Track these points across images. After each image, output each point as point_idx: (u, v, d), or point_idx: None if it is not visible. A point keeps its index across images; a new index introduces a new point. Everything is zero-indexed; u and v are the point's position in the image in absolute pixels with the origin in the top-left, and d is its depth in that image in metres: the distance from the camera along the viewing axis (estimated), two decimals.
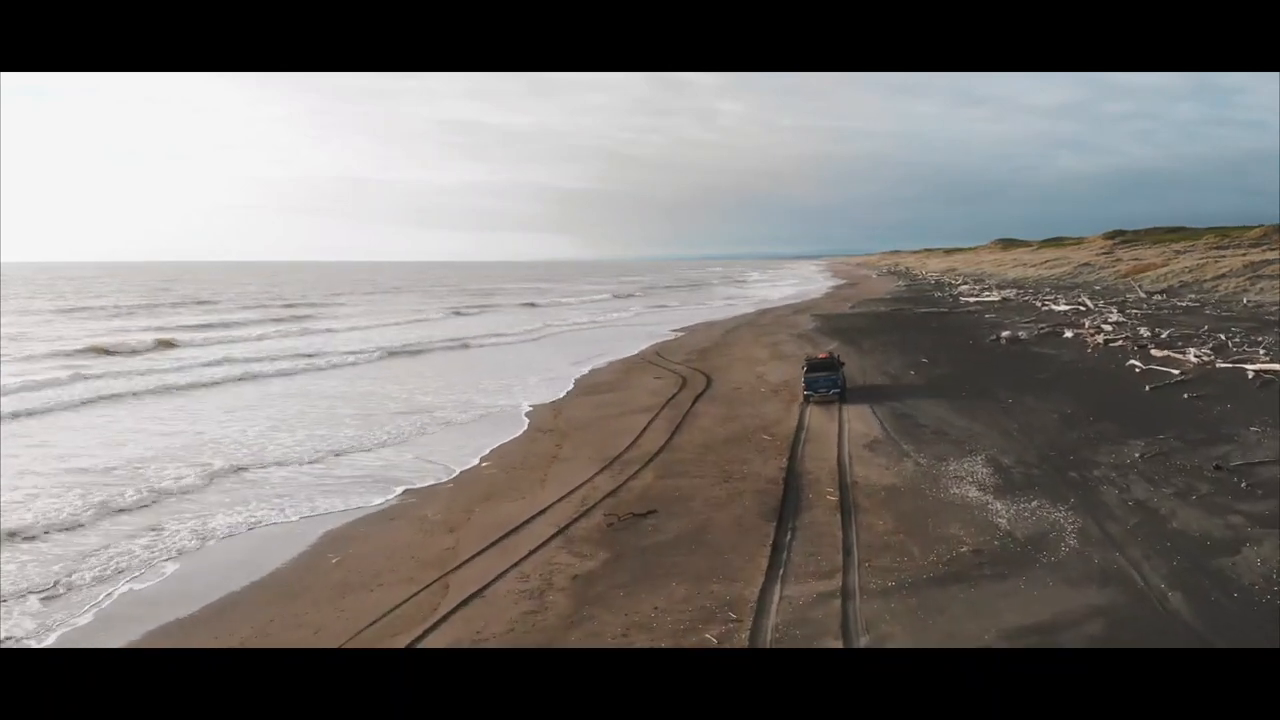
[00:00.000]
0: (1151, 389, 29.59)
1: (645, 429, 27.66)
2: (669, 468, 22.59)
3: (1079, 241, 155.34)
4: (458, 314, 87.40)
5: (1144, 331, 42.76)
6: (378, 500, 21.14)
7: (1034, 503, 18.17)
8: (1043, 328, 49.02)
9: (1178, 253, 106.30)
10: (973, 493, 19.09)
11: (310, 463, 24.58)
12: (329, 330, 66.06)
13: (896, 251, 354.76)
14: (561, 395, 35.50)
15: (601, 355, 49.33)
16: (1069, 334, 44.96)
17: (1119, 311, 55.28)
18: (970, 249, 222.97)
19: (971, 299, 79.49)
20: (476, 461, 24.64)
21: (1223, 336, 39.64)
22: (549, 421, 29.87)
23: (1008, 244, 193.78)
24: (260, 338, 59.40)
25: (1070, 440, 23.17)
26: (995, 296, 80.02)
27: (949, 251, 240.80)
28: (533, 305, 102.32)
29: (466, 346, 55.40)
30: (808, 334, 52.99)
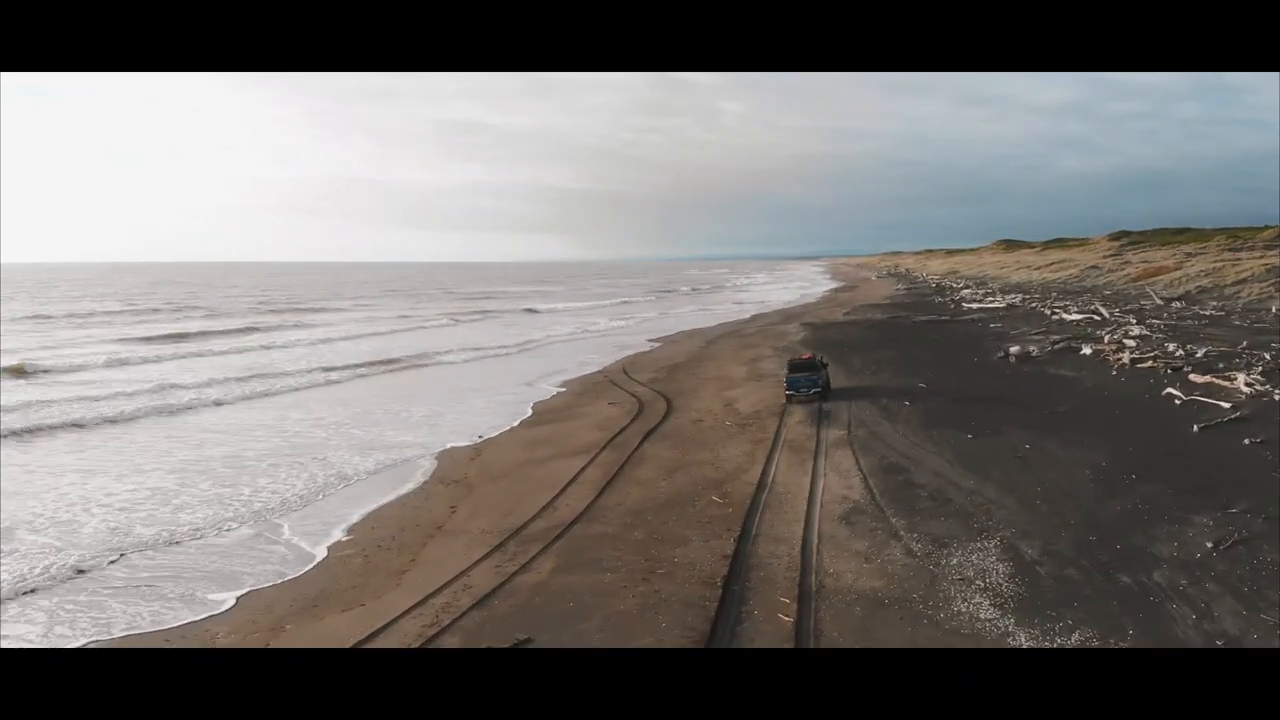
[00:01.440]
0: (1201, 429, 23.67)
1: (571, 482, 21.85)
2: (578, 551, 16.73)
3: (1083, 243, 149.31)
4: (422, 326, 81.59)
5: (1174, 348, 36.79)
6: (148, 625, 15.04)
7: (1074, 634, 12.30)
8: (1056, 341, 43.06)
9: (1189, 255, 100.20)
10: (985, 611, 13.21)
11: (77, 574, 16.59)
12: (288, 345, 59.07)
13: (898, 252, 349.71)
14: (496, 428, 29.66)
15: (565, 372, 43.61)
16: (1087, 350, 39.00)
17: (1139, 323, 49.27)
18: (972, 250, 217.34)
19: (974, 305, 73.46)
20: (338, 536, 18.80)
21: (1268, 356, 33.66)
22: (458, 469, 24.02)
23: (1010, 245, 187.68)
24: (203, 354, 52.85)
25: (1112, 514, 17.25)
26: (1000, 303, 74.00)
27: (950, 253, 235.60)
28: (507, 313, 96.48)
29: (422, 365, 49.34)
30: (794, 347, 47.03)
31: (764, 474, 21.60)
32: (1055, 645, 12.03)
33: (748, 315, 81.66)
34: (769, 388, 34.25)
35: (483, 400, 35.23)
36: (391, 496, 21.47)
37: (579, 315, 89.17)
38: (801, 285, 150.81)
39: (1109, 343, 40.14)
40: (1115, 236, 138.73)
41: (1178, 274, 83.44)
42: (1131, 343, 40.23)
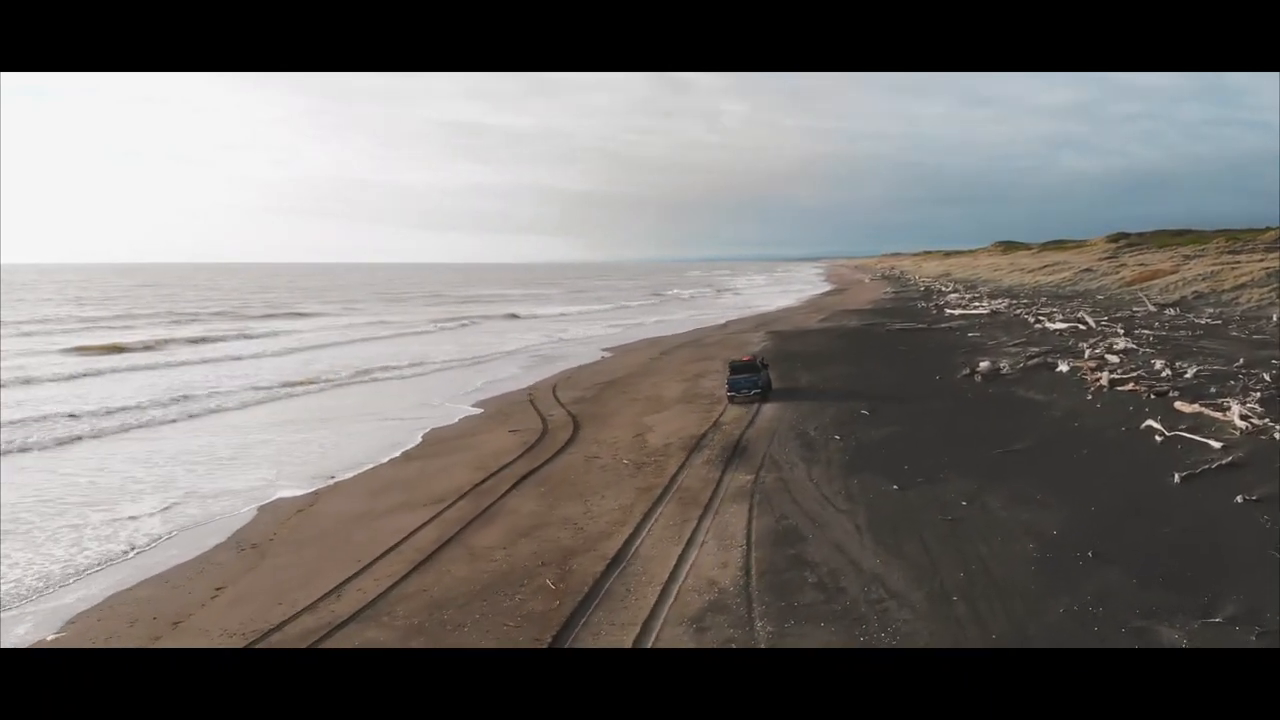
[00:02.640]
0: (1183, 479, 18.92)
1: (392, 549, 17.26)
2: None
3: (1081, 245, 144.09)
4: (388, 335, 77.03)
5: (1160, 366, 31.96)
6: None
7: None
8: (1032, 356, 38.27)
9: (1187, 258, 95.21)
10: None
11: None
12: (229, 358, 53.56)
13: (897, 254, 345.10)
14: (360, 465, 25.05)
15: (494, 388, 39.04)
16: (1064, 367, 34.18)
17: (1126, 334, 44.38)
18: (970, 252, 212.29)
19: (957, 311, 68.50)
20: (46, 635, 14.17)
21: (1267, 378, 28.83)
22: (268, 529, 19.35)
23: (1008, 247, 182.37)
24: (131, 369, 47.78)
25: (1051, 622, 12.52)
26: (985, 308, 69.10)
27: (948, 254, 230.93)
28: (488, 319, 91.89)
29: (351, 384, 44.65)
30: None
31: (630, 541, 16.96)
32: None
33: (723, 321, 77.01)
34: (696, 412, 29.64)
35: (376, 427, 30.60)
36: (154, 572, 16.81)
37: (558, 321, 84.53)
38: (792, 288, 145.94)
39: (1089, 359, 35.32)
40: (1113, 238, 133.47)
41: (1174, 278, 78.44)
42: (1115, 359, 35.40)
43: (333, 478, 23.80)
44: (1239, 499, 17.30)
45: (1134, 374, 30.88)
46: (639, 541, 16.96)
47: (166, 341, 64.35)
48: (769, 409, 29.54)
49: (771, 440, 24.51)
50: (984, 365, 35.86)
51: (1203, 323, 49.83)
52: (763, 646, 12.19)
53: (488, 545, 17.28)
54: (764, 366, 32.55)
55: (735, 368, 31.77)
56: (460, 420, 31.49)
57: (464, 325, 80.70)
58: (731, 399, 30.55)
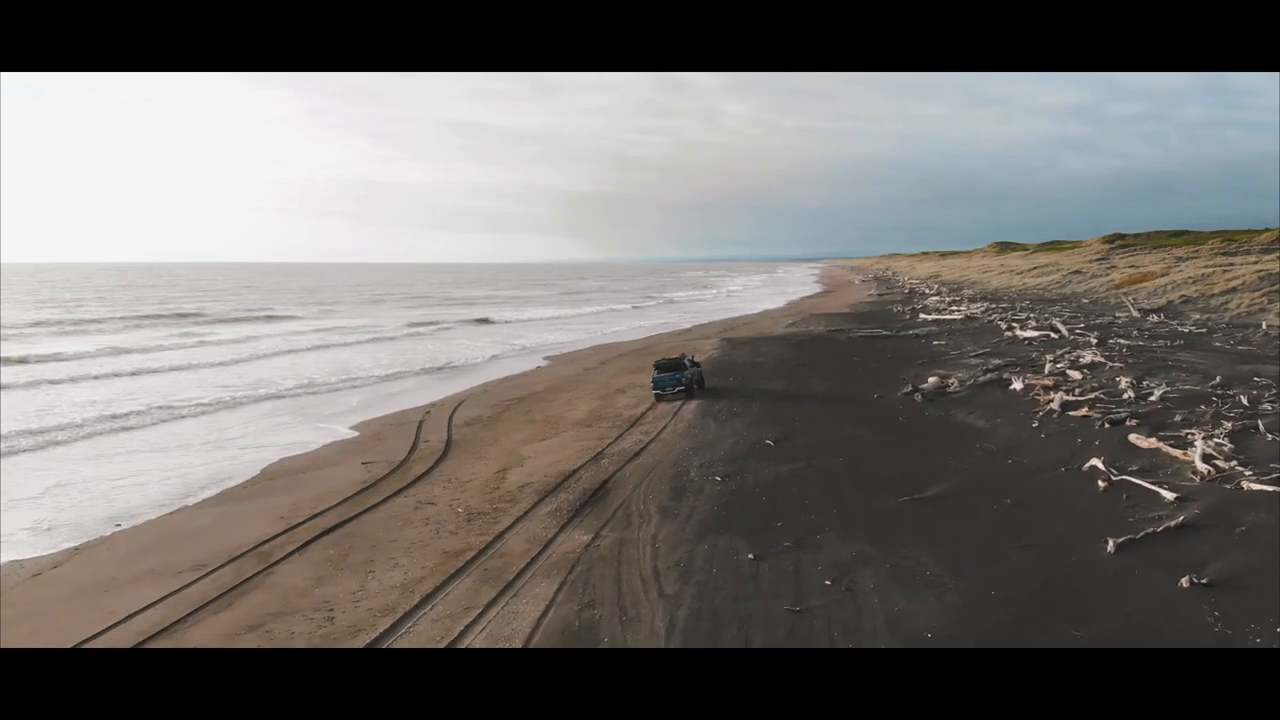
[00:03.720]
0: (1120, 547, 14.56)
1: (84, 642, 13.00)
2: None
3: (1075, 246, 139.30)
4: (338, 343, 72.82)
5: (1125, 385, 27.54)
6: None
7: None
8: (988, 369, 33.92)
9: (1180, 260, 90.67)
10: None
11: None
12: (135, 373, 48.97)
13: (895, 255, 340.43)
14: (158, 509, 20.84)
15: (389, 405, 34.81)
16: (1017, 384, 29.79)
17: (1099, 344, 39.93)
18: (965, 253, 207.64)
19: (932, 316, 64.04)
20: None
21: (1245, 402, 24.39)
22: None
23: (1004, 248, 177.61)
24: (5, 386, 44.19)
25: None
26: (961, 312, 64.69)
27: (944, 255, 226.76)
28: (458, 324, 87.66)
29: (244, 404, 40.49)
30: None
31: (381, 639, 12.71)
32: None
33: (689, 325, 72.73)
34: (587, 439, 25.45)
35: (219, 457, 26.31)
36: None
37: (527, 326, 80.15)
38: (779, 290, 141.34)
39: (1046, 376, 30.90)
40: (1108, 240, 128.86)
41: (1163, 281, 73.88)
42: (1077, 374, 31.00)
43: (118, 525, 19.61)
44: (1185, 581, 12.95)
45: (1092, 395, 26.51)
46: (393, 640, 12.72)
47: (75, 356, 57.45)
48: (669, 435, 25.31)
49: (643, 481, 20.24)
50: (931, 381, 31.53)
51: (1185, 331, 45.38)
52: None
53: (200, 639, 13.05)
54: (693, 364, 31.84)
55: (661, 366, 31.25)
56: (320, 447, 27.22)
57: (435, 330, 76.01)
58: (658, 397, 30.28)
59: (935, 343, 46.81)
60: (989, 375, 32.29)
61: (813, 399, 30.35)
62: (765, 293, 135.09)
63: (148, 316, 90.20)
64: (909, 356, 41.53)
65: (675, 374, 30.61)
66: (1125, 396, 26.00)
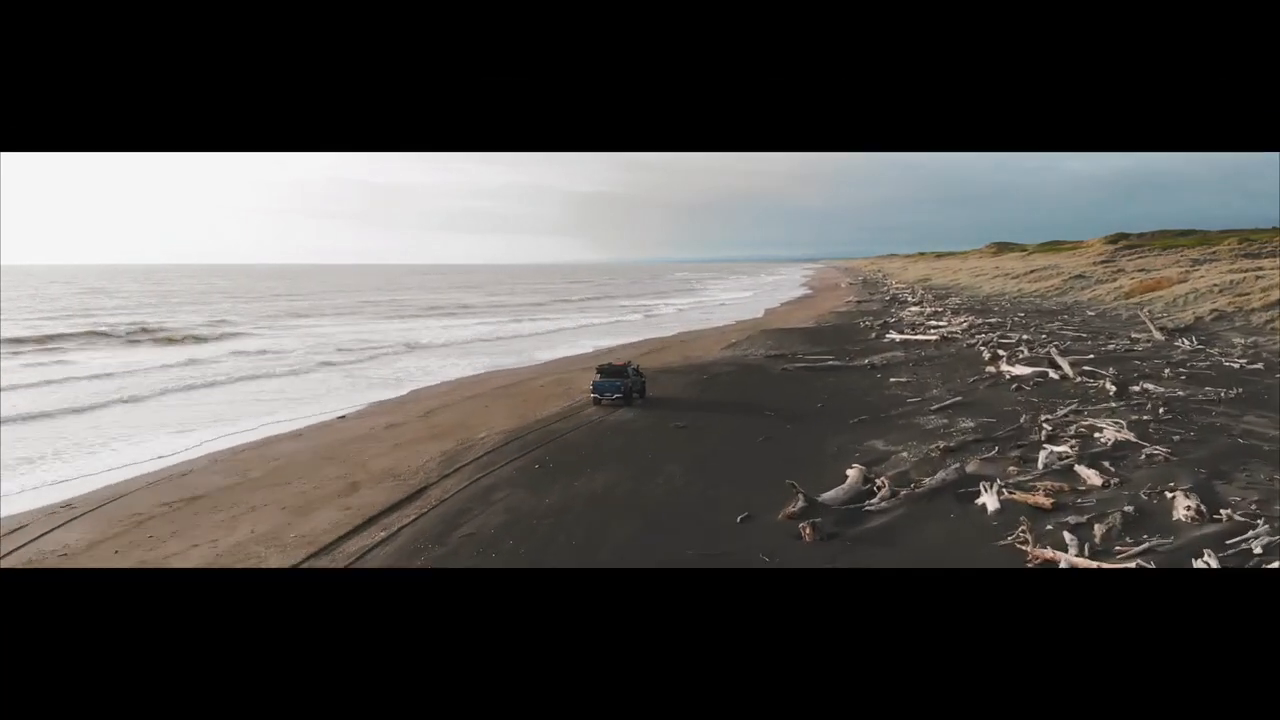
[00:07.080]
0: None
1: None
2: None
3: (1076, 246, 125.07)
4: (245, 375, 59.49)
5: (1188, 511, 14.16)
6: None
7: None
8: (952, 447, 20.61)
9: (1195, 262, 76.56)
10: None
11: None
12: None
13: (892, 256, 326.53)
14: None
15: (271, 424, 21.82)
16: (988, 498, 16.39)
17: (1119, 393, 26.28)
18: (961, 254, 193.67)
19: (901, 336, 50.21)
20: None
21: None
22: None
23: (1002, 248, 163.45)
24: None
25: None
26: (939, 329, 51.11)
27: (940, 256, 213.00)
28: (388, 350, 74.34)
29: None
30: (532, 420, 24.67)
31: None
32: None
33: (617, 343, 59.28)
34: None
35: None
36: None
37: (444, 352, 66.91)
38: (757, 295, 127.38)
39: (1043, 476, 17.42)
40: (1111, 239, 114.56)
41: (1183, 289, 59.89)
42: (1095, 475, 17.48)
43: None
44: None
45: (1141, 547, 13.02)
46: None
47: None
48: None
49: None
50: (840, 490, 18.09)
51: (1235, 367, 31.65)
52: None
53: None
54: (636, 374, 30.97)
55: (603, 371, 30.61)
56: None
57: (348, 363, 60.42)
58: (595, 401, 29.49)
59: (893, 379, 33.38)
60: (947, 470, 18.70)
61: (626, 526, 16.97)
62: (745, 298, 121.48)
63: (14, 340, 76.97)
64: (847, 405, 28.18)
65: (615, 380, 29.73)
66: (1193, 535, 12.52)
